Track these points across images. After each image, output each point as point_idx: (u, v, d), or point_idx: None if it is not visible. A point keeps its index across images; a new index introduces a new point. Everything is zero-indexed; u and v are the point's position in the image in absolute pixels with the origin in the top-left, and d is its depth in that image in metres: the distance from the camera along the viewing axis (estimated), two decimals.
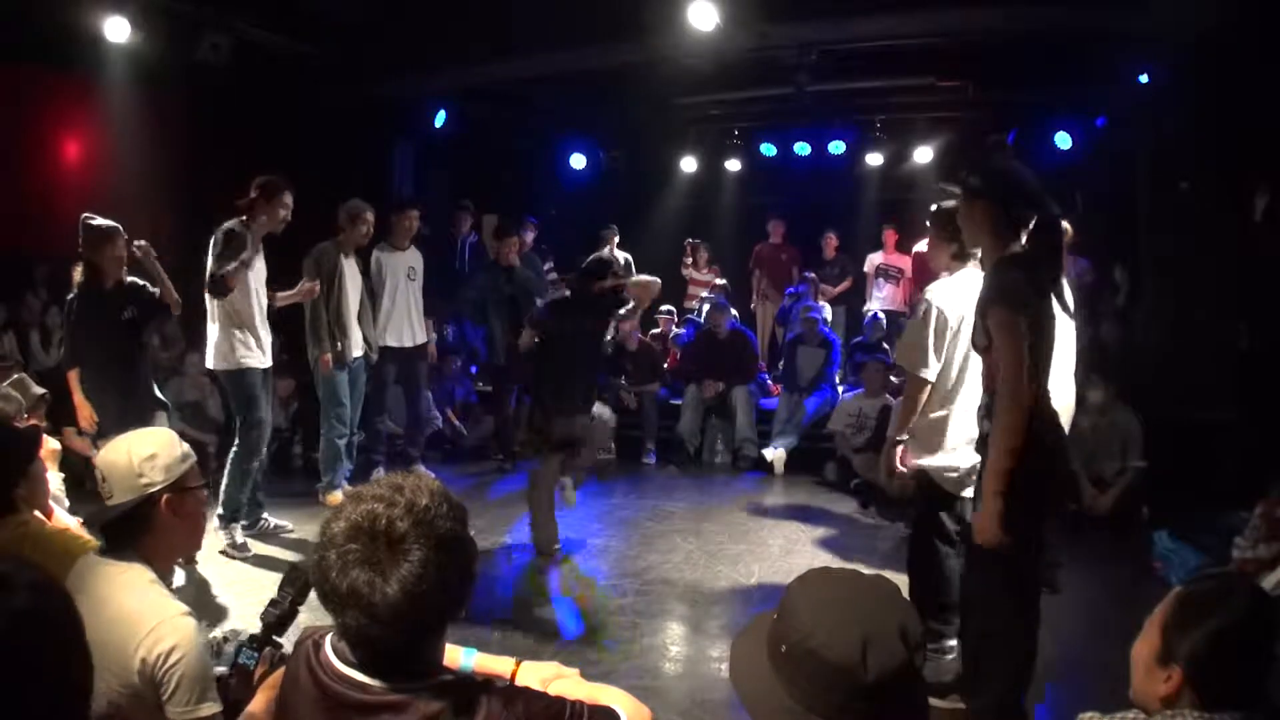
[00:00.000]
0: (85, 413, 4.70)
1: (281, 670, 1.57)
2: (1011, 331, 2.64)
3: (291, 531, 5.33)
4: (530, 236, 8.74)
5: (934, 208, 3.62)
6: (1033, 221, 2.72)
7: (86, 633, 1.25)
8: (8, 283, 7.81)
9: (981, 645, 2.94)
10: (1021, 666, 2.88)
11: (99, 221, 4.66)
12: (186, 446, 2.07)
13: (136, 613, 1.83)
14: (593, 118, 10.09)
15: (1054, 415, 2.81)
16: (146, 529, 1.95)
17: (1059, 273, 2.78)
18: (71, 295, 4.77)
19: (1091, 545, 5.61)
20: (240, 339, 5.02)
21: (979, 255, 3.15)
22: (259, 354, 5.12)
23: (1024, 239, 2.75)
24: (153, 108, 7.76)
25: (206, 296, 5.02)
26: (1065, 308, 2.82)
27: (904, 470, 3.65)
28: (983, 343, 2.78)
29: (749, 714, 1.25)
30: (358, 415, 6.03)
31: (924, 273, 6.87)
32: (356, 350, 5.94)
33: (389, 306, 6.39)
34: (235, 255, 4.89)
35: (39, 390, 4.23)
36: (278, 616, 1.93)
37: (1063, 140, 8.54)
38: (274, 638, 1.96)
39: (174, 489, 1.97)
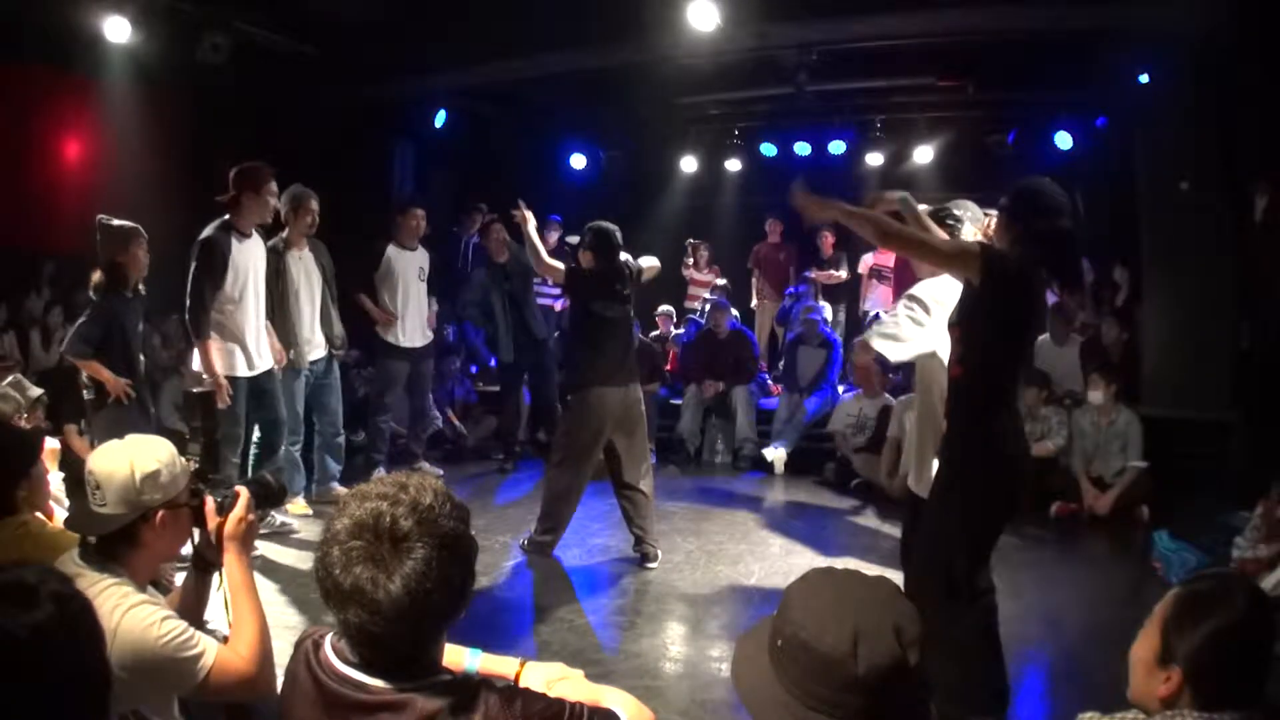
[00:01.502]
0: (120, 385, 4.52)
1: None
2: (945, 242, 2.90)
3: (297, 532, 5.30)
4: (555, 236, 8.72)
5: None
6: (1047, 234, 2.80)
7: None
8: (9, 282, 7.82)
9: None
10: (960, 673, 2.80)
11: (119, 222, 4.54)
12: (183, 459, 2.04)
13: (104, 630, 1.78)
14: (593, 118, 10.08)
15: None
16: (134, 543, 1.91)
17: (1076, 281, 2.92)
18: (95, 299, 4.64)
19: (1091, 545, 5.63)
20: (223, 348, 4.84)
21: None
22: (243, 363, 4.93)
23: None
24: (153, 108, 7.76)
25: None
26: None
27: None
28: (952, 319, 2.87)
29: (748, 709, 1.25)
30: (339, 418, 5.86)
31: (905, 273, 6.87)
32: (316, 353, 5.57)
33: (402, 307, 6.35)
34: (211, 271, 4.73)
35: (36, 391, 4.22)
36: (199, 461, 1.96)
37: (1063, 140, 8.56)
38: (205, 481, 2.07)
39: (168, 505, 1.94)
